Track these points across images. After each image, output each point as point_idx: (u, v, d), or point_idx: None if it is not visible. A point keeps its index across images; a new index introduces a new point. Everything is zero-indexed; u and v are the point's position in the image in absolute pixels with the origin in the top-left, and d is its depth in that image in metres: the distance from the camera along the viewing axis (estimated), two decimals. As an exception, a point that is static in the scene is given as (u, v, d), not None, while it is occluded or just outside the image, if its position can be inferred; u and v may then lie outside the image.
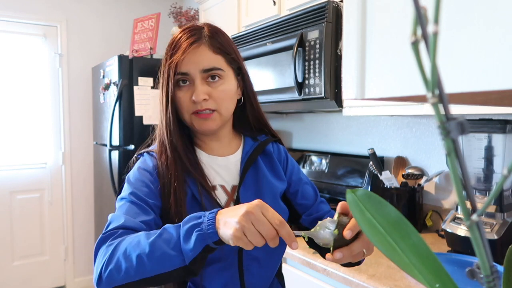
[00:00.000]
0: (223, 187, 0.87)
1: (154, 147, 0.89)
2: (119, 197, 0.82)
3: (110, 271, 0.67)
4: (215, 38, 0.84)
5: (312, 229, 0.68)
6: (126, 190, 0.82)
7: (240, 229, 0.61)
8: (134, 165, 0.88)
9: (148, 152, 0.88)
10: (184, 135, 0.88)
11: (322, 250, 0.85)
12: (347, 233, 0.65)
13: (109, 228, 0.74)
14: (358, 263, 0.81)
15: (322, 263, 1.27)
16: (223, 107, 0.84)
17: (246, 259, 0.84)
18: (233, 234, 0.61)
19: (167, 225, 0.70)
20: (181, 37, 0.83)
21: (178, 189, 0.80)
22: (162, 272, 0.66)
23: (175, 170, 0.81)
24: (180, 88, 0.83)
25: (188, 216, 0.68)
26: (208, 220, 0.65)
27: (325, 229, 0.67)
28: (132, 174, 0.84)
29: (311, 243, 0.83)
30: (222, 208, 0.84)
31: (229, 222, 0.62)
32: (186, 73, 0.81)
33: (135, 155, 0.91)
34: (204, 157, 0.88)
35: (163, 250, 0.65)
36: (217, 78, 0.83)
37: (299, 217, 0.95)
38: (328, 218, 0.69)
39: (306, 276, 1.40)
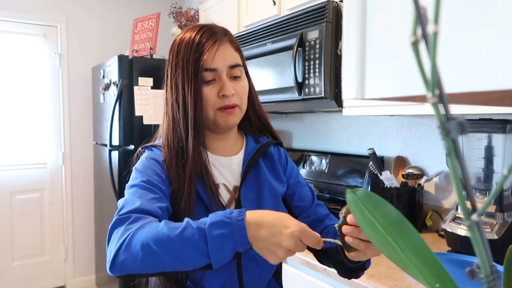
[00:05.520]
0: (225, 186, 0.88)
1: (160, 141, 0.88)
2: (128, 184, 0.80)
3: (125, 259, 0.64)
4: (231, 36, 0.87)
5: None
6: (136, 178, 0.79)
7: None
8: (138, 158, 0.87)
9: (154, 146, 0.88)
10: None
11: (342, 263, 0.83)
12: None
13: (124, 211, 0.71)
14: (357, 276, 0.82)
15: (322, 263, 1.27)
16: (243, 103, 0.87)
17: (244, 259, 0.84)
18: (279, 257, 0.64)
19: (190, 220, 0.67)
20: (200, 36, 0.82)
21: (191, 193, 0.80)
22: (182, 270, 0.65)
23: (190, 175, 0.80)
24: (205, 84, 0.83)
25: (212, 218, 0.65)
26: (239, 228, 0.64)
27: None
28: (140, 164, 0.83)
29: (324, 258, 0.87)
30: (225, 207, 0.84)
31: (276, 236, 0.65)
32: (215, 69, 0.82)
33: (140, 148, 0.89)
34: (208, 156, 0.88)
35: (188, 251, 0.63)
36: (238, 74, 0.86)
37: (296, 218, 0.95)
38: None
39: (306, 276, 1.40)
